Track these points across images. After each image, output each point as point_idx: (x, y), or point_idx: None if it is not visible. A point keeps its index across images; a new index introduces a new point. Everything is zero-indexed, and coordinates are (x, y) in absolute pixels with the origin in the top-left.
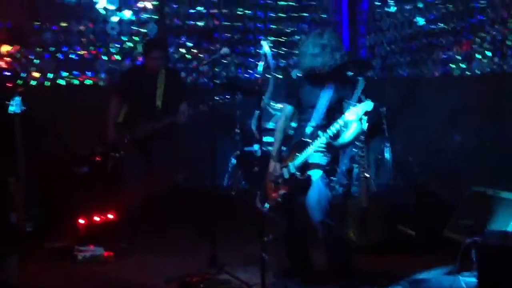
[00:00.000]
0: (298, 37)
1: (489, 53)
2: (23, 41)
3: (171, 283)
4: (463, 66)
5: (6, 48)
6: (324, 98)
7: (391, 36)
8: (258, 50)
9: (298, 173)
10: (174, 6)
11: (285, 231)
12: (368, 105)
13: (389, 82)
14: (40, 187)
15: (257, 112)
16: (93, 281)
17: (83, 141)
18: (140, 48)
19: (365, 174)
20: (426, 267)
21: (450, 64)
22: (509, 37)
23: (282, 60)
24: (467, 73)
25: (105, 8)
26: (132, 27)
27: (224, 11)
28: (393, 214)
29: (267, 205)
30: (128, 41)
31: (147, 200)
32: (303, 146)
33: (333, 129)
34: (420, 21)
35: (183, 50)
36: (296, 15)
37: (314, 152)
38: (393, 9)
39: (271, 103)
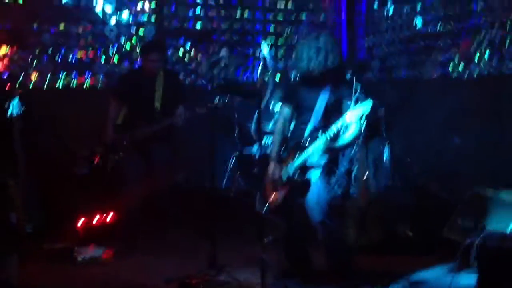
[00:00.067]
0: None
1: (487, 55)
2: (21, 43)
3: (170, 284)
4: (461, 68)
5: (4, 50)
6: (322, 100)
7: (389, 38)
8: (257, 52)
9: (297, 174)
10: (172, 8)
11: (285, 232)
12: (367, 105)
13: (388, 83)
14: (40, 188)
15: (256, 114)
16: (92, 282)
17: (83, 143)
18: (138, 50)
19: (364, 175)
20: (425, 267)
21: (449, 66)
22: (507, 39)
23: (281, 62)
24: (465, 75)
25: (103, 10)
26: (130, 29)
27: (222, 13)
28: (391, 215)
29: (266, 206)
30: (126, 43)
31: (146, 201)
32: (302, 147)
33: (332, 130)
34: (419, 22)
35: (181, 52)
36: (295, 17)
37: (313, 154)
38: (391, 10)
39: (271, 105)
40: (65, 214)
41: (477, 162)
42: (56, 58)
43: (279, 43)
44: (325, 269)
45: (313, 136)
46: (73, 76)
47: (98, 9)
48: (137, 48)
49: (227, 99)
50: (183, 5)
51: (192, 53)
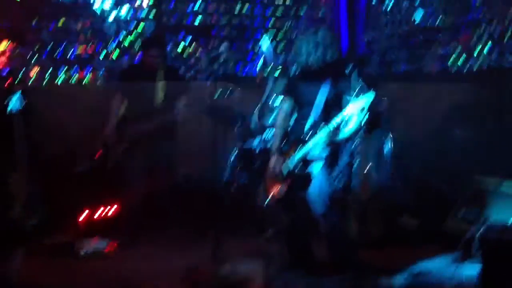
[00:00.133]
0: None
1: (487, 49)
2: (21, 39)
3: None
4: (461, 61)
5: (3, 46)
6: (322, 94)
7: (389, 32)
8: (256, 47)
9: (298, 168)
10: (171, 3)
11: (287, 225)
12: (368, 98)
13: (388, 77)
14: (42, 183)
15: (257, 108)
16: (95, 276)
17: (84, 138)
18: (137, 46)
19: (366, 168)
20: (428, 259)
21: (448, 60)
22: (507, 33)
23: (280, 57)
24: (465, 68)
25: (102, 6)
26: (129, 25)
27: (222, 7)
28: (393, 207)
29: (268, 200)
30: (125, 39)
31: (148, 196)
32: (303, 141)
33: (333, 123)
34: (418, 16)
35: (180, 48)
36: (294, 11)
37: (314, 147)
38: (391, 5)
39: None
40: (67, 208)
41: (478, 154)
42: (56, 54)
43: (278, 38)
44: (327, 261)
45: (314, 130)
46: (72, 72)
47: (97, 5)
48: (136, 43)
49: (227, 94)
50: (182, 1)
51: (191, 49)
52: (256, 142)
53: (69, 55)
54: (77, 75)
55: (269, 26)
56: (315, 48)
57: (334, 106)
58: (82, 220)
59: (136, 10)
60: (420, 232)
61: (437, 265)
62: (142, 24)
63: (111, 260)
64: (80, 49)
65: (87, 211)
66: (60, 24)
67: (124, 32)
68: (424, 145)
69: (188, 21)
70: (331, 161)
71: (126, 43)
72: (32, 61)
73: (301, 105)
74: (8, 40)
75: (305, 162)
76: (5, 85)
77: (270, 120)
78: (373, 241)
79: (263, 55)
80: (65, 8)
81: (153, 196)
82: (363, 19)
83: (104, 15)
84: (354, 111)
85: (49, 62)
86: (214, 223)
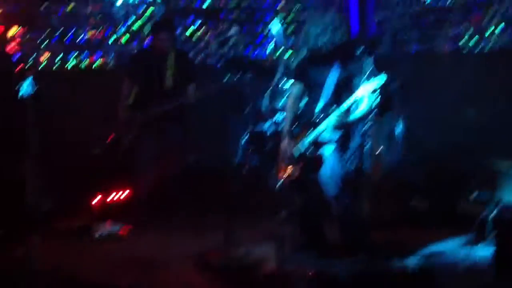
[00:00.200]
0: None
1: (499, 29)
2: (30, 24)
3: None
4: (473, 42)
5: (14, 31)
6: (332, 76)
7: (400, 12)
8: (266, 30)
9: (310, 150)
10: None
11: (299, 207)
12: (380, 79)
13: (399, 58)
14: (55, 168)
15: (268, 91)
16: (110, 259)
17: (95, 123)
18: (147, 30)
19: (377, 150)
20: (441, 241)
21: (460, 40)
22: None
23: (290, 39)
24: (478, 48)
25: None
26: (138, 9)
27: None
28: (405, 189)
29: (280, 182)
30: (135, 23)
31: (160, 180)
32: (314, 123)
33: (344, 106)
34: None
35: (190, 31)
36: None
37: (325, 129)
38: None
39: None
40: (81, 193)
41: (490, 136)
42: (65, 39)
43: (288, 20)
44: (340, 243)
45: (325, 113)
46: (83, 57)
47: None
48: (146, 28)
49: (237, 77)
50: None
51: (200, 32)
52: (267, 125)
53: (78, 40)
54: (87, 60)
55: (278, 8)
56: (324, 30)
57: (344, 88)
58: (95, 203)
59: None
60: (433, 214)
61: (450, 246)
62: (151, 8)
63: (125, 242)
64: (89, 34)
65: (100, 195)
66: (69, 9)
67: (134, 16)
68: (436, 127)
69: (197, 4)
70: (343, 143)
71: (135, 27)
72: (42, 47)
73: (312, 88)
74: (18, 26)
75: (317, 144)
76: (16, 71)
77: (281, 103)
78: (385, 222)
79: (273, 38)
80: None
81: (165, 180)
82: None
83: None
84: (365, 93)
85: (59, 47)
86: (226, 206)
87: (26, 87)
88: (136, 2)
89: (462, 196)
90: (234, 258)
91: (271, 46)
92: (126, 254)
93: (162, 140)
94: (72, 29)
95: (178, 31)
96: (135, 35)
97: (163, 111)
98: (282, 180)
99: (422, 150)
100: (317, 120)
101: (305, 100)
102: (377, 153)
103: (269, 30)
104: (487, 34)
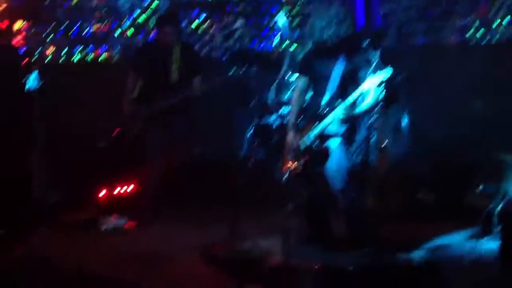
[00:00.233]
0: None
1: (506, 21)
2: (36, 18)
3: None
4: (480, 34)
5: (19, 25)
6: (337, 69)
7: (406, 4)
8: (271, 22)
9: (316, 143)
10: None
11: (305, 200)
12: (386, 72)
13: (405, 50)
14: (62, 161)
15: (273, 84)
16: (116, 252)
17: (101, 116)
18: (153, 23)
19: (383, 142)
20: (447, 234)
21: (467, 32)
22: None
23: (296, 32)
24: (485, 40)
25: None
26: (143, 2)
27: None
28: (411, 182)
29: (286, 175)
30: (140, 16)
31: (166, 173)
32: (320, 116)
33: (350, 98)
34: None
35: (195, 24)
36: None
37: (331, 122)
38: None
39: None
40: (87, 186)
41: (497, 128)
42: (71, 32)
43: (293, 13)
44: (346, 236)
45: (331, 105)
46: (88, 50)
47: None
48: (151, 21)
49: (243, 70)
50: None
51: (206, 25)
52: (273, 118)
53: (84, 33)
54: (92, 53)
55: (284, 1)
56: (329, 23)
57: (350, 81)
58: (101, 197)
59: None
60: (439, 207)
61: (456, 239)
62: (156, 1)
63: (131, 235)
64: (95, 27)
65: (106, 188)
66: (74, 2)
67: (139, 10)
68: (443, 119)
69: None
70: (349, 136)
71: (140, 21)
72: (48, 40)
73: (317, 81)
74: (24, 20)
75: (323, 137)
76: (23, 64)
77: (287, 96)
78: (391, 216)
79: (279, 31)
80: None
81: (171, 173)
82: None
83: None
84: (371, 86)
85: (65, 41)
86: (232, 199)
87: (32, 81)
88: None
89: (469, 189)
90: (240, 251)
91: (276, 39)
92: (132, 247)
93: (167, 133)
94: (78, 22)
95: (184, 24)
96: (141, 29)
97: (169, 104)
98: (288, 173)
99: (428, 142)
100: (323, 113)
101: (310, 93)
102: (383, 146)
103: (275, 23)
104: (494, 26)
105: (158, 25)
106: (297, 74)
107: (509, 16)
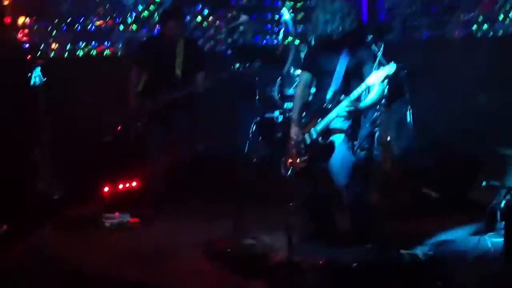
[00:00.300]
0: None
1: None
2: (40, 13)
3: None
4: (486, 27)
5: (23, 20)
6: (342, 64)
7: None
8: (276, 17)
9: (320, 138)
10: None
11: (309, 196)
12: (390, 68)
13: (410, 44)
14: (65, 157)
15: (278, 79)
16: (120, 248)
17: (105, 111)
18: (156, 18)
19: (387, 137)
20: (451, 229)
21: (472, 26)
22: None
23: (300, 26)
24: (489, 34)
25: None
26: None
27: None
28: (415, 177)
29: (290, 170)
30: (143, 11)
31: (169, 169)
32: (324, 111)
33: (355, 93)
34: None
35: (199, 19)
36: None
37: (335, 117)
38: None
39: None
40: (91, 181)
41: (502, 122)
42: (75, 27)
43: (298, 7)
44: (350, 232)
45: (335, 100)
46: (92, 45)
47: None
48: (155, 15)
49: (247, 64)
50: None
51: (210, 20)
52: (277, 112)
53: (88, 28)
54: (97, 48)
55: None
56: (333, 17)
57: (354, 76)
58: (106, 193)
59: None
60: (443, 202)
61: (460, 235)
62: None
63: (135, 231)
64: (99, 22)
65: (110, 184)
66: None
67: (143, 4)
68: (448, 113)
69: None
70: (353, 131)
71: (144, 15)
72: (52, 35)
73: (321, 76)
74: (28, 15)
75: (327, 133)
76: (27, 59)
77: (291, 91)
78: (395, 211)
79: (283, 26)
80: None
81: (175, 169)
82: None
83: None
84: (376, 80)
85: (69, 36)
86: (235, 194)
87: (37, 75)
88: None
89: (473, 184)
90: (243, 247)
91: (280, 33)
92: (136, 243)
93: (171, 128)
94: (82, 17)
95: (187, 18)
96: (144, 23)
97: (172, 99)
98: (292, 168)
99: (432, 137)
100: (327, 108)
101: (314, 87)
102: (387, 141)
103: (279, 17)
104: (498, 20)
105: (162, 19)
106: (301, 69)
107: None
